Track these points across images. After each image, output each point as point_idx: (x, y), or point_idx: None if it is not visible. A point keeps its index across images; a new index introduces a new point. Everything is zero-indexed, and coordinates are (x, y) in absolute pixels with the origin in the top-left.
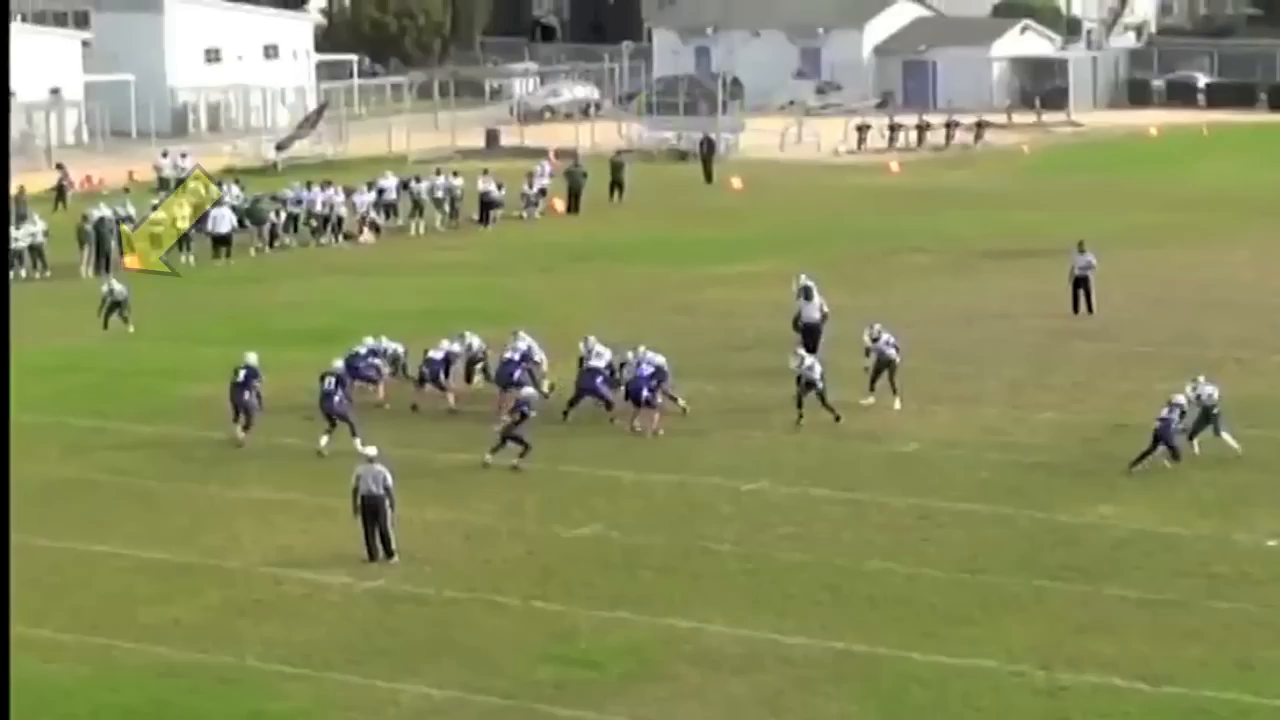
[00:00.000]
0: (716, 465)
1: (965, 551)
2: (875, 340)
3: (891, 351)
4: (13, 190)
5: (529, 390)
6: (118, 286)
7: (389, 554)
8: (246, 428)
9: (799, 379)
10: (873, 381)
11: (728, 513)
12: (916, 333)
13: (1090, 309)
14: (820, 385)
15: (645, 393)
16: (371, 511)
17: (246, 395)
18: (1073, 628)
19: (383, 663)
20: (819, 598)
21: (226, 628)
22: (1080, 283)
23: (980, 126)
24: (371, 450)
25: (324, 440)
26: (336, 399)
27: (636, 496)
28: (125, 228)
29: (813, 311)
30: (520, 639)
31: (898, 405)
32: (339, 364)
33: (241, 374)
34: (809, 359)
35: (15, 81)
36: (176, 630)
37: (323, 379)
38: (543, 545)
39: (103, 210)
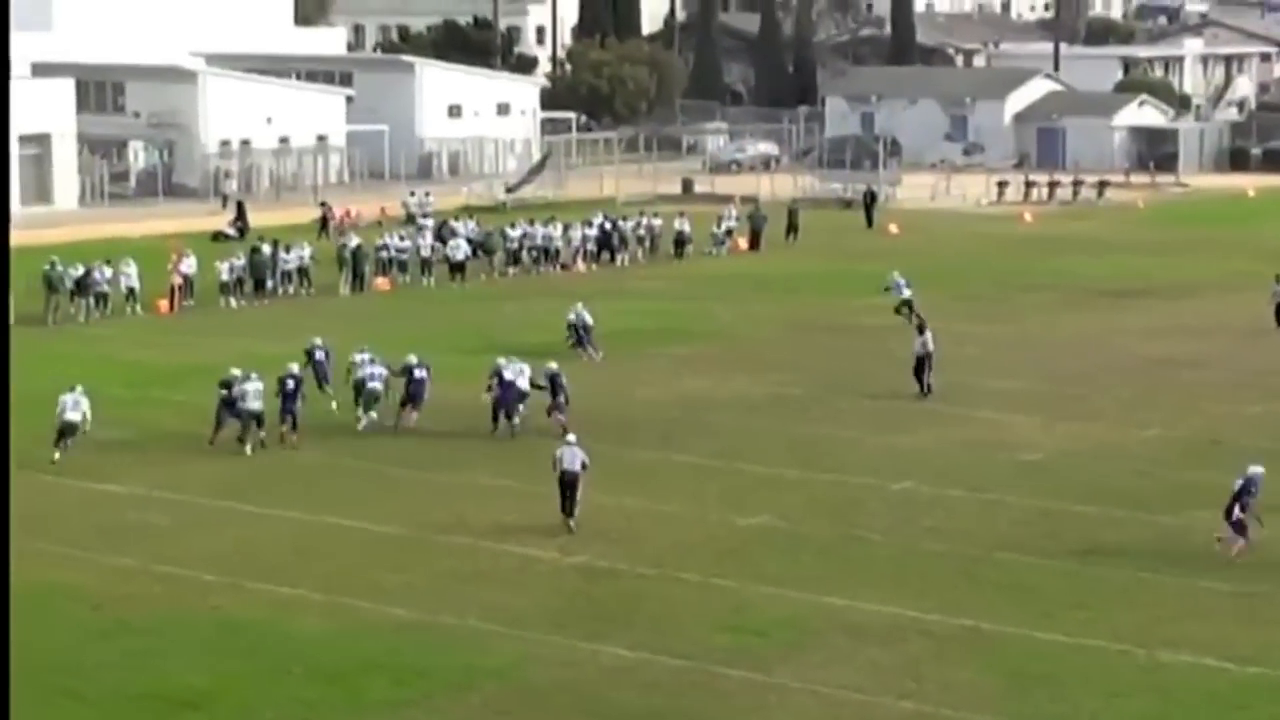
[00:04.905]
0: (869, 467)
1: (1080, 546)
2: None
3: None
4: (339, 213)
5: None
6: (586, 318)
7: (570, 516)
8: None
9: None
10: None
11: (878, 508)
12: (1044, 358)
13: None
14: None
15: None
16: (569, 485)
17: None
18: (1171, 614)
19: (583, 626)
20: (954, 582)
21: (452, 592)
22: None
23: (1102, 185)
24: (571, 436)
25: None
26: (297, 402)
27: (800, 491)
28: (383, 255)
29: (916, 345)
30: (699, 610)
31: None
32: (295, 366)
33: (506, 373)
34: None
35: (289, 129)
36: (409, 593)
37: (282, 381)
38: (721, 531)
39: (357, 239)
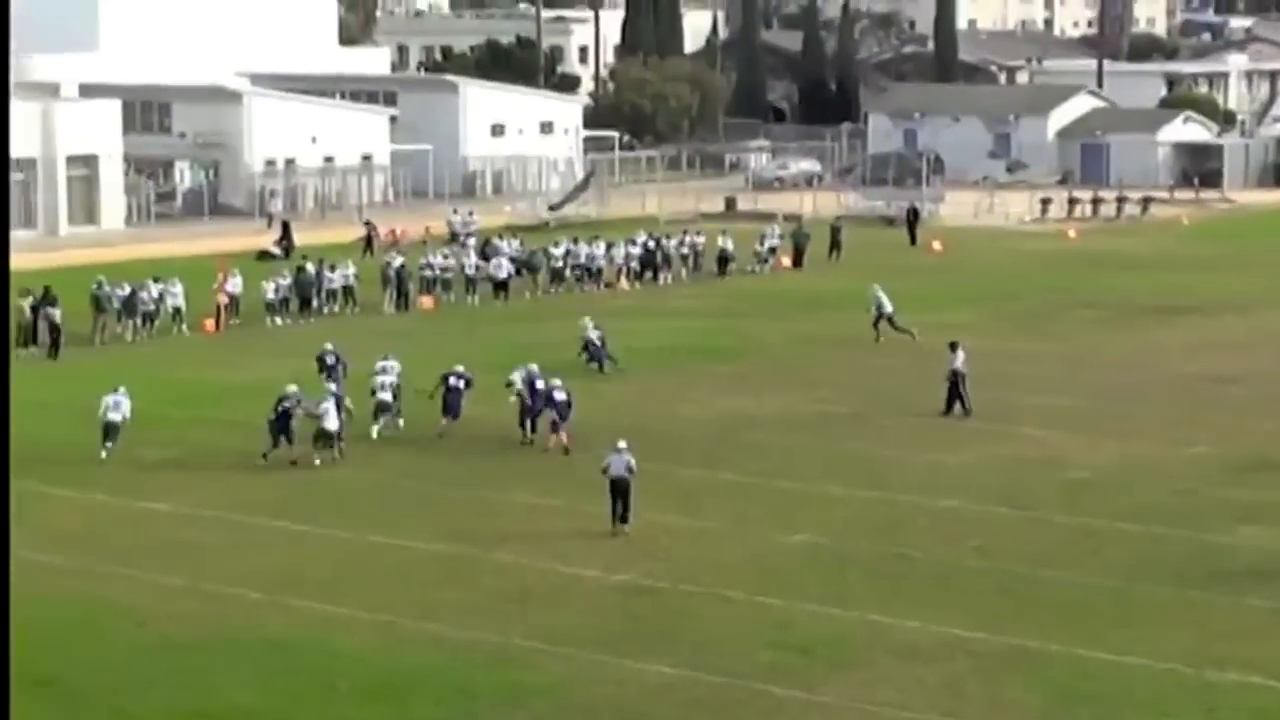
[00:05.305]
0: (914, 484)
1: (1126, 564)
2: None
3: None
4: (383, 232)
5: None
6: (594, 331)
7: (624, 521)
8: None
9: None
10: None
11: (923, 525)
12: (1089, 375)
13: None
14: None
15: None
16: (620, 491)
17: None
18: (1218, 632)
19: (627, 644)
20: (999, 600)
21: (497, 610)
22: None
23: (1146, 201)
24: (622, 443)
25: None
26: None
27: (845, 509)
28: (427, 274)
29: (948, 364)
30: (743, 628)
31: None
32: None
33: (524, 380)
34: None
35: (334, 148)
36: (455, 611)
37: (279, 401)
38: (764, 549)
39: (402, 258)
